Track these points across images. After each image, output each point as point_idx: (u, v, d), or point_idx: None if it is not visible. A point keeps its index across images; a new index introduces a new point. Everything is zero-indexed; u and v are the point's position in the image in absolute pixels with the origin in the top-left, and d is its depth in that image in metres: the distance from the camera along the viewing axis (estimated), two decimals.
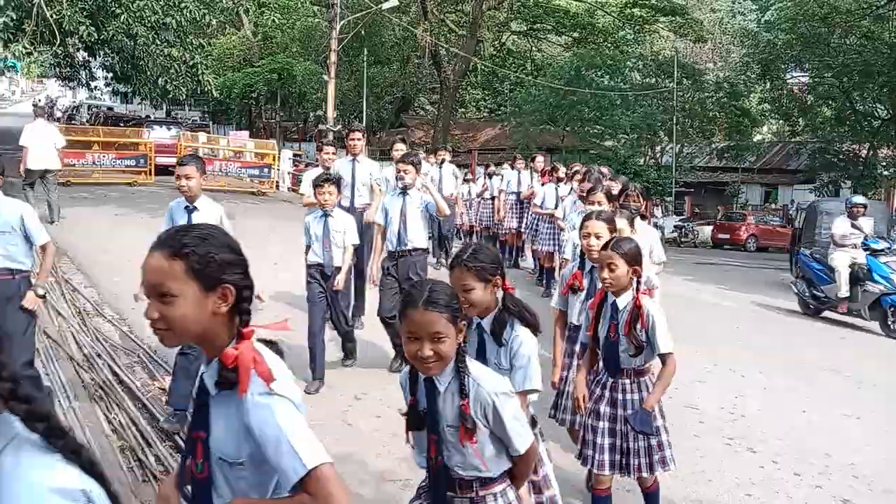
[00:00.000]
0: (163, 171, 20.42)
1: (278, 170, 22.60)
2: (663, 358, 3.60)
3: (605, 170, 8.66)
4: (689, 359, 7.68)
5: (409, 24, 30.56)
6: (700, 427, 5.74)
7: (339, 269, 5.96)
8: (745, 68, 34.64)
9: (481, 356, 2.93)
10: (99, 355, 6.09)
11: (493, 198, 13.59)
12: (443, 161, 11.99)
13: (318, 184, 5.87)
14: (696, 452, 5.19)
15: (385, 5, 24.29)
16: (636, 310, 3.56)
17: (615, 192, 5.76)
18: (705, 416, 5.98)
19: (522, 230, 12.39)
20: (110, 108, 43.38)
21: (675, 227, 31.15)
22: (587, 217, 4.39)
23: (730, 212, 32.80)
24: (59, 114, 48.20)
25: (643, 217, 5.72)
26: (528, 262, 13.08)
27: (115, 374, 5.73)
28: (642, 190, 5.54)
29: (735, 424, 5.87)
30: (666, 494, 4.53)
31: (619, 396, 3.61)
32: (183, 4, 15.17)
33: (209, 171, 21.09)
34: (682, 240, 30.20)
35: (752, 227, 29.40)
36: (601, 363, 3.78)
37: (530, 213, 11.59)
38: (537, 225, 10.90)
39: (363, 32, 28.81)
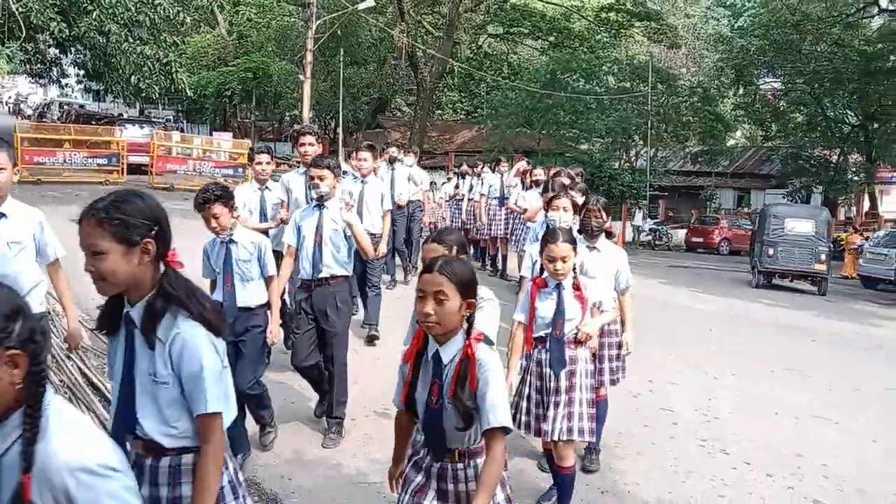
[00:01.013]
0: (135, 170, 20.23)
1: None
2: (489, 436, 2.41)
3: (573, 172, 7.94)
4: (663, 361, 7.75)
5: (385, 25, 30.52)
6: (674, 429, 5.76)
7: (249, 310, 4.48)
8: (718, 73, 35.07)
9: (129, 363, 2.10)
10: (68, 356, 5.97)
11: (462, 198, 13.38)
12: (393, 160, 10.06)
13: (198, 203, 4.29)
14: (669, 454, 5.22)
15: (361, 5, 24.24)
16: (466, 362, 2.44)
17: (579, 201, 5.23)
18: (679, 418, 6.00)
19: (508, 237, 11.62)
20: (82, 106, 42.67)
21: (649, 230, 31.41)
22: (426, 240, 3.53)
23: (703, 216, 33.15)
24: (29, 111, 47.47)
25: (608, 234, 5.08)
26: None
27: (84, 374, 5.61)
28: (606, 203, 4.91)
29: (708, 426, 5.90)
30: (640, 495, 4.55)
31: (450, 487, 2.54)
32: (157, 1, 15.01)
33: (182, 170, 20.98)
34: (657, 243, 30.45)
35: (725, 230, 29.73)
36: (420, 441, 2.68)
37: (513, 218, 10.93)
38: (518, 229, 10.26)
39: (339, 32, 28.75)
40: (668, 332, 9.53)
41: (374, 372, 6.42)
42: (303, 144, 6.17)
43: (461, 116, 44.82)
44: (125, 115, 34.12)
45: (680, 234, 31.75)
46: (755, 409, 6.51)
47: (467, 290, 2.46)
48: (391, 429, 4.92)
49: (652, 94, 31.57)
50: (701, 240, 29.77)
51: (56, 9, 14.86)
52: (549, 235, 3.93)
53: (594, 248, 4.76)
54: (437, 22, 33.86)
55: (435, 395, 2.50)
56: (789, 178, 32.82)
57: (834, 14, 29.89)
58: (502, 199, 11.50)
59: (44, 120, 35.16)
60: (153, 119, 33.11)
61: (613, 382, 4.91)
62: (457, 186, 14.07)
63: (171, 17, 15.61)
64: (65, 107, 39.62)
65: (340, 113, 32.38)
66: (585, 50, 33.64)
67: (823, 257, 15.78)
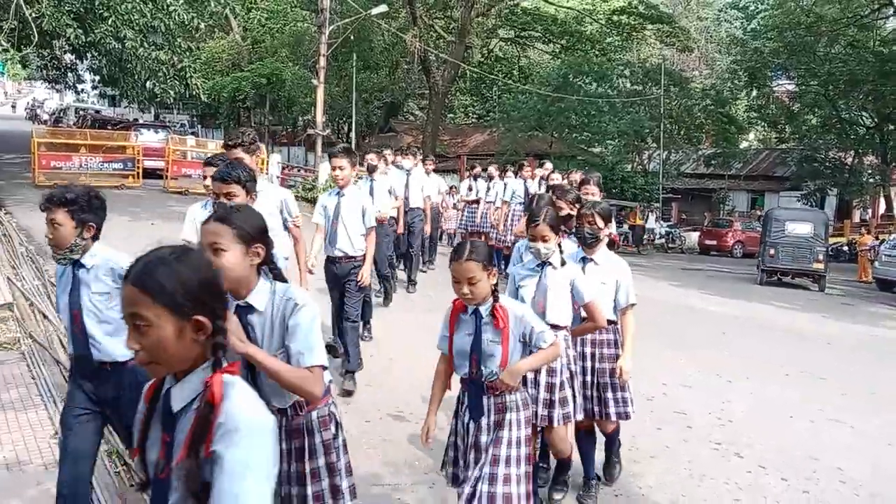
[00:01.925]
0: (151, 174, 20.40)
1: (267, 174, 22.54)
2: None
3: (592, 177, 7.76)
4: (676, 364, 7.74)
5: (398, 30, 30.59)
6: (688, 432, 5.76)
7: (117, 365, 3.21)
8: (731, 76, 34.95)
9: None
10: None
11: (477, 201, 13.34)
12: (372, 169, 8.76)
13: (43, 200, 3.27)
14: (683, 457, 5.21)
15: (374, 10, 24.32)
16: (206, 411, 1.58)
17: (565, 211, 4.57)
18: (693, 422, 6.00)
19: None
20: (97, 111, 43.12)
21: (665, 233, 31.33)
22: None
23: (717, 218, 33.01)
24: (45, 116, 47.96)
25: (611, 244, 4.46)
26: None
27: None
28: (604, 209, 4.28)
29: (722, 429, 5.89)
30: (654, 499, 4.56)
31: None
32: (171, 8, 15.11)
33: (198, 174, 21.09)
34: (669, 246, 30.37)
35: (739, 233, 29.56)
36: None
37: None
38: None
39: (352, 37, 28.81)
40: (680, 336, 9.53)
41: (387, 375, 6.46)
42: (233, 157, 4.77)
43: (473, 120, 44.89)
44: (140, 120, 34.49)
45: (693, 237, 31.63)
46: (769, 412, 6.49)
47: (186, 301, 1.60)
48: (405, 430, 4.90)
49: (664, 96, 31.50)
50: (714, 242, 29.63)
51: (72, 15, 14.99)
52: (454, 251, 3.16)
53: (590, 259, 4.27)
54: (449, 26, 33.93)
55: (163, 456, 1.66)
56: (804, 180, 32.64)
57: (848, 15, 29.73)
58: (528, 206, 11.35)
59: (60, 125, 35.53)
60: (168, 124, 33.38)
61: (620, 416, 4.35)
62: (470, 189, 13.98)
63: (186, 22, 15.70)
64: (81, 112, 40.02)
65: (353, 117, 32.50)
66: (597, 53, 33.64)
67: (821, 257, 17.12)
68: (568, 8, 35.80)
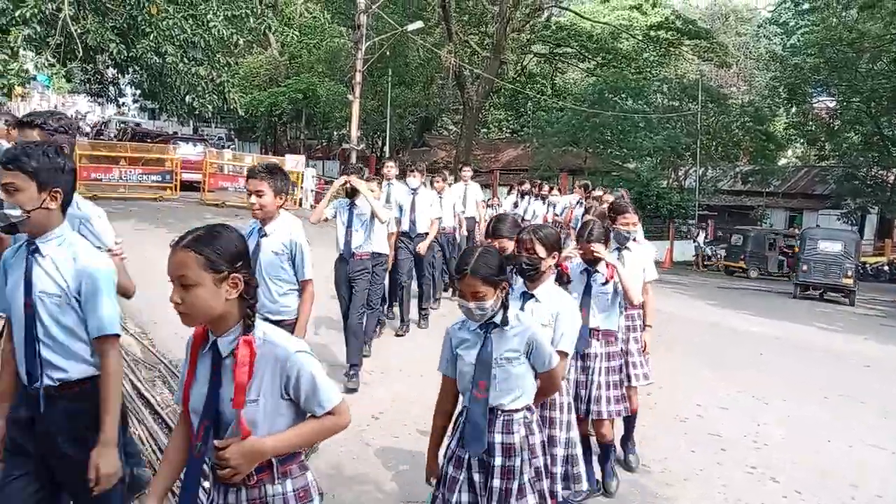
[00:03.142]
0: (188, 186, 20.72)
1: (302, 188, 22.76)
2: None
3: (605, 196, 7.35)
4: (711, 385, 7.60)
5: (433, 46, 30.80)
6: (723, 455, 5.64)
7: None
8: (770, 92, 34.54)
9: None
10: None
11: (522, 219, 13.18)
12: (352, 192, 6.52)
13: None
14: (717, 481, 5.11)
15: (410, 27, 24.54)
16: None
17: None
18: (728, 444, 5.88)
19: None
20: (138, 125, 43.96)
21: (710, 251, 30.77)
22: None
23: None
24: (87, 129, 49.08)
25: (560, 278, 3.67)
26: None
27: (135, 388, 5.73)
28: (547, 234, 3.52)
29: (758, 452, 5.76)
30: None
31: None
32: (212, 24, 15.35)
33: (234, 188, 21.39)
34: (705, 263, 29.93)
35: None
36: None
37: None
38: None
39: (388, 53, 29.10)
40: (716, 356, 9.37)
41: (414, 391, 6.44)
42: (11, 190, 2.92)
43: (507, 134, 44.93)
44: (179, 134, 35.12)
45: None
46: (807, 435, 6.34)
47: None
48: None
49: (701, 112, 31.23)
50: None
51: (115, 31, 15.34)
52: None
53: (531, 295, 3.43)
54: (484, 42, 34.09)
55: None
56: (843, 198, 32.04)
57: (893, 31, 29.19)
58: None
59: (101, 138, 36.31)
60: (206, 137, 33.94)
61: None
62: (516, 205, 13.70)
63: (225, 38, 15.94)
64: (121, 125, 40.84)
65: (387, 132, 32.75)
66: (633, 71, 33.55)
67: (850, 273, 18.16)
68: (604, 23, 35.75)
